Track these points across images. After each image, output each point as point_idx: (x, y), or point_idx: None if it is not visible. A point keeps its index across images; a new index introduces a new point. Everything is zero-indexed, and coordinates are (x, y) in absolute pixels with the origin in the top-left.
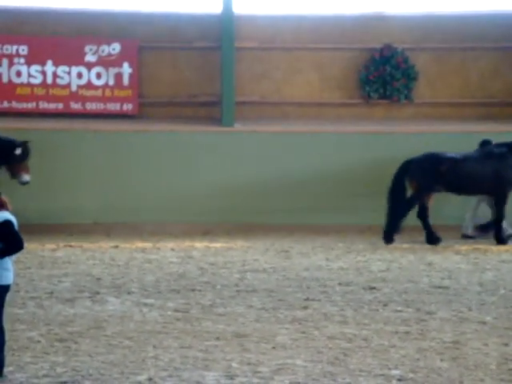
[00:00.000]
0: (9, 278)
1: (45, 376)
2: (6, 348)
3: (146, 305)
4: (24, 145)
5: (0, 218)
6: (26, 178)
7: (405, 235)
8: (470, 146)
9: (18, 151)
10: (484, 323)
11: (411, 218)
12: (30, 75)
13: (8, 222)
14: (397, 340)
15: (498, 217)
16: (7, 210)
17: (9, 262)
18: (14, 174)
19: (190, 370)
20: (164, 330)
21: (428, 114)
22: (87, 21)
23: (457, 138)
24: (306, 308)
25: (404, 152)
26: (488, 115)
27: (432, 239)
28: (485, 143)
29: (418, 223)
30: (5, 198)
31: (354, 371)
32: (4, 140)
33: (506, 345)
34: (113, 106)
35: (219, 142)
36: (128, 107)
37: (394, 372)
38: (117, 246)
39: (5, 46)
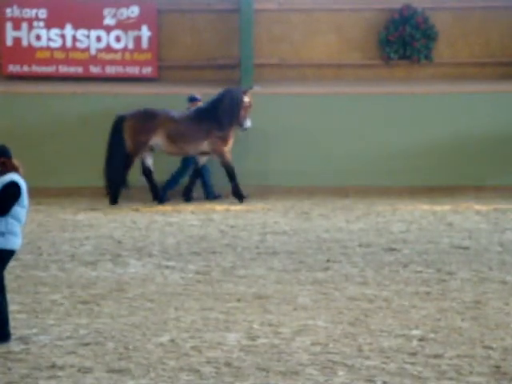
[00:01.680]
0: (15, 244)
1: (68, 338)
2: (30, 310)
3: (167, 267)
4: (249, 92)
5: (7, 179)
6: (249, 123)
7: (423, 196)
8: (490, 106)
9: (247, 99)
10: (505, 283)
11: (426, 179)
12: (49, 39)
13: (12, 184)
14: (417, 300)
15: None
16: (19, 173)
17: (17, 226)
18: (240, 121)
19: (212, 332)
20: (185, 292)
21: (448, 74)
22: None
23: (478, 98)
24: (326, 269)
25: (422, 112)
26: (509, 74)
27: None
28: None
29: (434, 183)
30: (17, 161)
31: (375, 332)
32: (235, 90)
33: None
34: (132, 70)
35: None
36: (147, 70)
37: (415, 332)
38: (137, 209)
39: (24, 10)
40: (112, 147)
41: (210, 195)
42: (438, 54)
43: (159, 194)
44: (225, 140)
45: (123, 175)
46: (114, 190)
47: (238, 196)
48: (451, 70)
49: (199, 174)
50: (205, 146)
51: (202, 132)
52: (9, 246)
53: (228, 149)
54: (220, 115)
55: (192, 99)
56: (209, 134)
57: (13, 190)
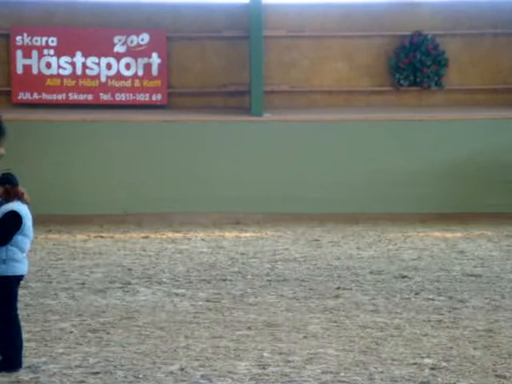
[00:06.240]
0: (20, 269)
1: (77, 366)
2: (39, 339)
3: (177, 295)
4: None
5: (8, 207)
6: None
7: (436, 223)
8: (501, 133)
9: None
10: None
11: (437, 205)
12: (59, 66)
13: (12, 214)
14: (429, 328)
15: None
16: (24, 201)
17: (18, 253)
18: None
19: (222, 360)
20: (195, 320)
21: (459, 101)
22: (116, 11)
23: (488, 125)
24: (337, 297)
25: (435, 139)
26: None
27: None
28: None
29: (445, 210)
30: (22, 189)
31: (386, 360)
32: None
33: None
34: (142, 97)
35: (248, 132)
36: (157, 97)
37: (427, 361)
38: (147, 237)
39: (34, 38)
40: None
41: None
42: (448, 80)
43: None
44: None
45: None
46: None
47: None
48: (461, 96)
49: None
50: None
51: None
52: (11, 272)
53: None
54: None
55: None
56: None
57: (12, 220)
